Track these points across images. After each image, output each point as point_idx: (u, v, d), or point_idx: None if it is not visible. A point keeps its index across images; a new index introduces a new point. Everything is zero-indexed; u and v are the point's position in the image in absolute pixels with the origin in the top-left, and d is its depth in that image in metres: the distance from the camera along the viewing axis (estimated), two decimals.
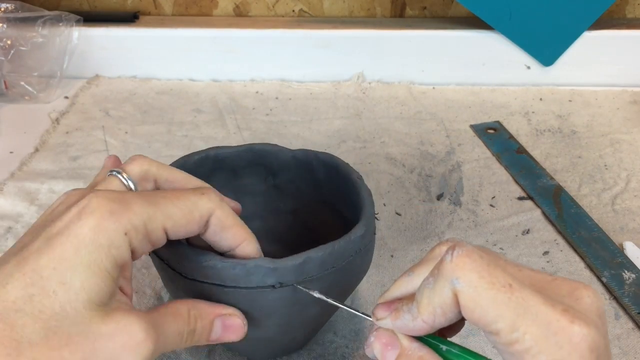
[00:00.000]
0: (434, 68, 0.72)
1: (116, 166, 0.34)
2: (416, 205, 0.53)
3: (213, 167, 0.40)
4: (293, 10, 0.75)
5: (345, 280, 0.33)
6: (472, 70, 0.71)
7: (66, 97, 0.71)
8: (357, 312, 0.29)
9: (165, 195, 0.28)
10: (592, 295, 0.23)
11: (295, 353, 0.39)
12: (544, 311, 0.22)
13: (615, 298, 0.43)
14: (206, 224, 0.29)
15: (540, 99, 0.69)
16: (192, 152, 0.40)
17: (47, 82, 0.70)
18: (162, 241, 0.28)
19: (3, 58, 0.67)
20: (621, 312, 0.42)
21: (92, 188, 0.30)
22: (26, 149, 0.61)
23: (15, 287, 0.24)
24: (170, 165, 0.39)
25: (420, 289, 0.25)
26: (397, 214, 0.52)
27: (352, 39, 0.71)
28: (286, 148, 0.41)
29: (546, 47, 0.69)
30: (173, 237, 0.28)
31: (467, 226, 0.50)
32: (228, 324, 0.30)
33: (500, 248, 0.48)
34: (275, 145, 0.41)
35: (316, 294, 0.30)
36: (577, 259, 0.47)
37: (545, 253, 0.47)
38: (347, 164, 0.39)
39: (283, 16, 0.76)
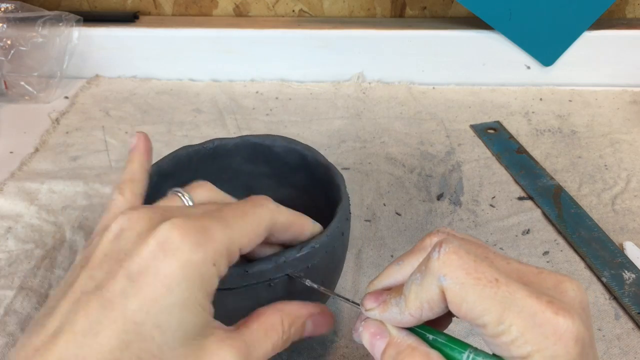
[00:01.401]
0: (434, 68, 0.72)
1: (148, 151, 0.33)
2: (416, 205, 0.53)
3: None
4: (293, 10, 0.75)
5: (327, 268, 0.34)
6: (472, 70, 0.71)
7: (66, 97, 0.71)
8: (347, 301, 0.29)
9: (234, 213, 0.28)
10: (576, 288, 0.23)
11: (295, 352, 0.39)
12: (529, 303, 0.22)
13: (615, 298, 0.43)
14: (269, 232, 0.29)
15: (540, 99, 0.69)
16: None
17: (47, 82, 0.70)
18: (237, 259, 0.27)
19: (3, 58, 0.67)
20: (621, 312, 0.42)
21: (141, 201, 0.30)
22: (26, 149, 0.61)
23: (108, 337, 0.23)
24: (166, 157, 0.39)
25: (408, 285, 0.25)
26: (397, 214, 0.52)
27: (352, 39, 0.71)
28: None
29: (546, 47, 0.69)
30: (244, 252, 0.28)
31: (467, 226, 0.50)
32: (318, 322, 0.30)
33: (500, 248, 0.48)
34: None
35: (308, 283, 0.31)
36: (577, 259, 0.47)
37: (545, 253, 0.47)
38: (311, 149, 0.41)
39: (283, 16, 0.76)
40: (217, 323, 0.26)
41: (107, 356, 0.23)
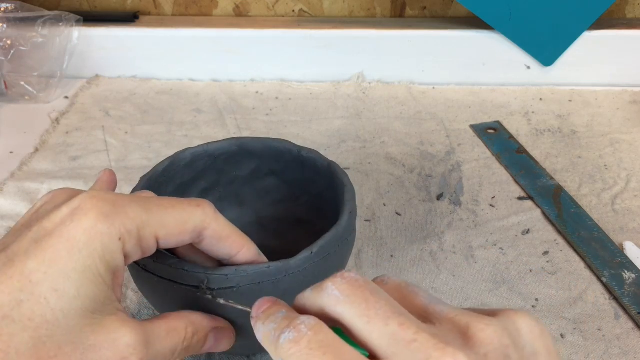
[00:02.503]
0: (434, 68, 0.72)
1: (113, 182, 0.33)
2: (416, 205, 0.53)
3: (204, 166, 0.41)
4: (293, 10, 0.75)
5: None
6: (472, 70, 0.71)
7: (66, 97, 0.71)
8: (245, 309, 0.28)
9: (160, 203, 0.27)
10: (488, 334, 0.21)
11: None
12: (418, 346, 0.21)
13: (615, 298, 0.43)
14: (200, 236, 0.28)
15: (540, 99, 0.69)
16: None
17: (47, 82, 0.70)
18: (153, 249, 0.27)
19: (3, 58, 0.67)
20: (621, 312, 0.42)
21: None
22: (26, 149, 0.61)
23: (1, 292, 0.22)
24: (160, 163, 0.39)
25: (267, 337, 0.24)
26: (397, 214, 0.52)
27: (352, 39, 0.71)
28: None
29: (546, 47, 0.69)
30: (163, 245, 0.27)
31: (467, 226, 0.50)
32: (220, 337, 0.30)
33: (500, 248, 0.48)
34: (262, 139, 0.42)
35: (222, 301, 0.29)
36: (577, 259, 0.47)
37: (545, 253, 0.47)
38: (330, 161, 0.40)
39: (283, 16, 0.76)
40: (120, 305, 0.26)
41: None
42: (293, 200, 0.43)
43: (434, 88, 0.72)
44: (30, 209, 0.27)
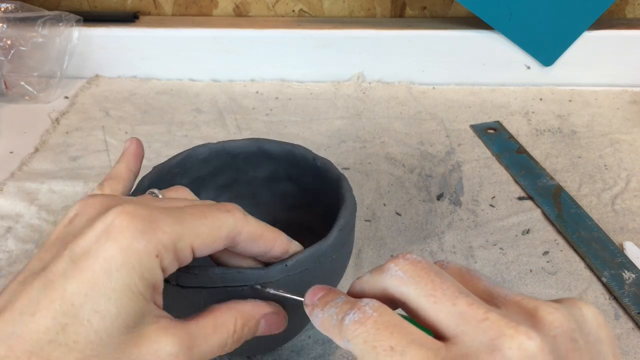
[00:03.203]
0: (434, 68, 0.72)
1: (139, 155, 0.33)
2: (416, 205, 0.53)
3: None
4: (293, 10, 0.75)
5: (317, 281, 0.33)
6: (472, 70, 0.71)
7: (66, 97, 0.71)
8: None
9: (192, 212, 0.27)
10: (516, 347, 0.20)
11: (294, 353, 0.39)
12: (486, 326, 0.21)
13: (615, 298, 0.43)
14: (233, 241, 0.28)
15: (540, 99, 0.69)
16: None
17: (47, 82, 0.70)
18: (189, 260, 0.27)
19: (3, 58, 0.67)
20: (621, 312, 0.42)
21: (107, 187, 0.29)
22: (26, 149, 0.61)
23: (44, 317, 0.23)
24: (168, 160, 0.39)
25: (327, 321, 0.25)
26: (397, 214, 0.52)
27: (352, 39, 0.71)
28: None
29: (546, 47, 0.69)
30: (199, 255, 0.27)
31: (467, 226, 0.50)
32: (272, 321, 0.30)
33: (500, 248, 0.48)
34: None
35: (272, 291, 0.30)
36: (577, 259, 0.47)
37: (545, 253, 0.47)
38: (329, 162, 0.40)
39: (283, 16, 0.76)
40: (165, 314, 0.26)
41: (42, 336, 0.22)
42: (306, 208, 0.43)
43: (434, 88, 0.72)
44: (63, 219, 0.27)
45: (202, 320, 0.27)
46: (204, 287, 0.30)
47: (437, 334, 0.22)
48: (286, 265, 0.30)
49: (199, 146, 0.40)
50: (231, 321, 0.28)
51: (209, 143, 0.41)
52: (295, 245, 0.31)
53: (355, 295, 0.26)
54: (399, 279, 0.24)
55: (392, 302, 0.24)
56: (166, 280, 0.31)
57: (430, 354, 0.21)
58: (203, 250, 0.27)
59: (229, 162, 0.41)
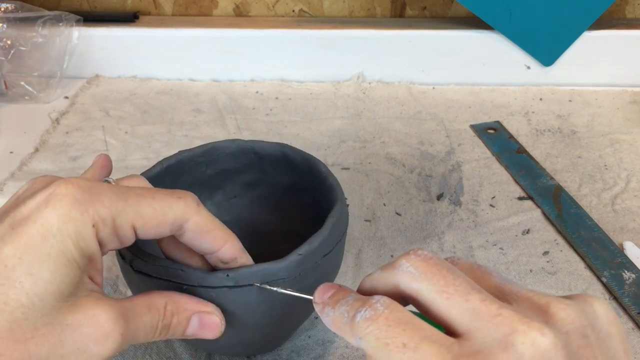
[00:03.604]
0: (434, 68, 0.72)
1: (106, 167, 0.33)
2: (416, 205, 0.53)
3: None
4: (293, 10, 0.75)
5: (313, 280, 0.33)
6: (472, 70, 0.71)
7: (66, 97, 0.71)
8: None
9: (139, 192, 0.27)
10: (529, 343, 0.20)
11: (294, 352, 0.39)
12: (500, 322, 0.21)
13: (615, 298, 0.43)
14: (181, 228, 0.28)
15: (540, 99, 0.69)
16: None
17: (47, 82, 0.70)
18: (131, 239, 0.27)
19: (3, 58, 0.67)
20: (621, 312, 0.42)
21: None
22: (26, 149, 0.61)
23: None
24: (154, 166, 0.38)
25: (338, 319, 0.25)
26: (397, 214, 0.52)
27: (352, 39, 0.71)
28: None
29: (546, 47, 0.69)
30: (142, 236, 0.27)
31: (467, 226, 0.50)
32: (205, 322, 0.30)
33: (500, 248, 0.48)
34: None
35: (280, 290, 0.30)
36: (577, 259, 0.47)
37: (545, 253, 0.47)
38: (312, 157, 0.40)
39: (283, 16, 0.76)
40: (95, 286, 0.26)
41: None
42: (320, 224, 0.42)
43: (434, 88, 0.72)
44: (13, 196, 0.28)
45: (134, 299, 0.27)
46: (152, 276, 0.30)
47: (450, 330, 0.22)
48: (227, 275, 0.30)
49: (226, 140, 0.41)
50: (162, 305, 0.28)
51: (237, 139, 0.41)
52: (246, 258, 0.31)
53: (366, 292, 0.26)
54: (411, 275, 0.24)
55: (403, 298, 0.24)
56: (127, 263, 0.31)
57: (443, 350, 0.21)
58: (147, 232, 0.27)
59: (255, 162, 0.41)
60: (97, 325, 0.24)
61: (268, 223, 0.43)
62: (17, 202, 0.26)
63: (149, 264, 0.31)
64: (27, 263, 0.23)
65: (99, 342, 0.24)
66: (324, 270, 0.33)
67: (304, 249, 0.31)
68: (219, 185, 0.43)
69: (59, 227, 0.24)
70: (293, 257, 0.31)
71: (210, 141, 0.41)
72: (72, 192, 0.25)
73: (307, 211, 0.41)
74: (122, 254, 0.32)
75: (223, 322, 0.30)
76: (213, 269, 0.31)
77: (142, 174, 0.36)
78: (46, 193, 0.25)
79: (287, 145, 0.41)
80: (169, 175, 0.39)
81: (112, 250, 0.27)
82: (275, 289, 0.30)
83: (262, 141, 0.41)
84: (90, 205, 0.25)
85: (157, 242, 0.31)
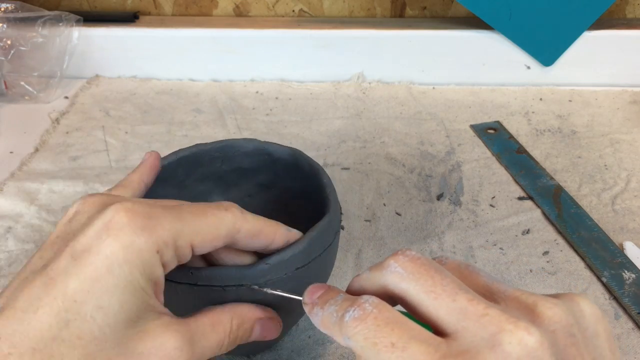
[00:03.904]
0: (434, 68, 0.72)
1: (155, 168, 0.34)
2: (416, 205, 0.53)
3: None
4: (293, 10, 0.75)
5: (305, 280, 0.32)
6: (472, 70, 0.71)
7: (66, 97, 0.71)
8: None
9: (191, 210, 0.27)
10: (516, 342, 0.21)
11: (295, 353, 0.39)
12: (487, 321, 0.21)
13: (615, 298, 0.43)
14: (233, 238, 0.29)
15: (540, 99, 0.69)
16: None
17: (47, 82, 0.70)
18: (189, 256, 0.27)
19: (3, 58, 0.67)
20: (621, 312, 0.42)
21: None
22: (26, 149, 0.61)
23: (47, 314, 0.23)
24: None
25: (327, 319, 0.25)
26: (397, 214, 0.52)
27: (352, 39, 0.71)
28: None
29: (546, 47, 0.69)
30: (198, 252, 0.28)
31: (467, 226, 0.50)
32: (267, 326, 0.30)
33: (500, 248, 0.48)
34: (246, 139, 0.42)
35: (269, 291, 0.30)
36: (577, 259, 0.47)
37: (545, 253, 0.47)
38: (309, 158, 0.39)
39: (283, 16, 0.76)
40: (166, 310, 0.26)
41: (45, 333, 0.23)
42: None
43: (434, 88, 0.72)
44: (63, 218, 0.27)
45: (200, 318, 0.28)
46: (196, 285, 0.30)
47: (437, 330, 0.23)
48: (191, 272, 0.30)
49: (243, 139, 0.41)
50: (227, 320, 0.28)
51: (254, 139, 0.41)
52: (295, 234, 0.31)
53: (354, 292, 0.26)
54: (399, 276, 0.24)
55: (392, 298, 0.24)
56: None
57: (431, 349, 0.21)
58: (203, 248, 0.27)
59: (269, 164, 0.41)
60: (164, 352, 0.25)
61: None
62: (72, 228, 0.26)
63: (193, 273, 0.30)
64: (96, 296, 0.23)
65: None
66: (299, 283, 0.32)
67: (273, 259, 0.31)
68: (235, 182, 0.43)
69: (124, 257, 0.24)
70: (260, 266, 0.30)
71: (267, 141, 0.41)
72: (132, 220, 0.25)
73: (311, 218, 0.40)
74: None
75: (281, 322, 0.31)
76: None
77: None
78: (104, 220, 0.25)
79: (297, 150, 0.40)
80: (182, 166, 0.39)
81: (172, 269, 0.28)
82: (265, 289, 0.30)
83: (275, 144, 0.41)
84: (152, 231, 0.25)
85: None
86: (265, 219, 0.30)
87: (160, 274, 0.26)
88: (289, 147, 0.41)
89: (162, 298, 0.27)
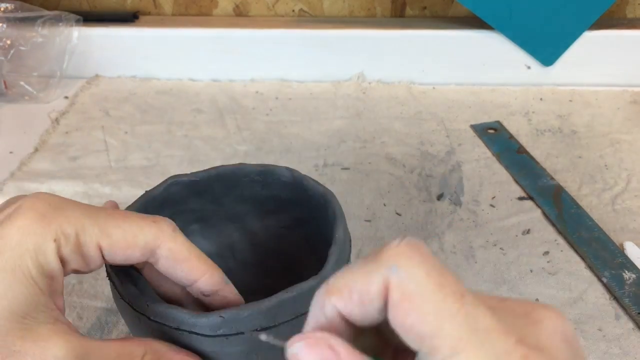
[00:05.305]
0: (434, 68, 0.72)
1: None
2: (416, 205, 0.53)
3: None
4: (293, 10, 0.75)
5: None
6: (472, 70, 0.71)
7: (66, 97, 0.71)
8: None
9: (110, 212, 0.26)
10: (554, 317, 0.19)
11: None
12: (494, 338, 0.17)
13: (616, 298, 0.43)
14: (154, 254, 0.26)
15: (541, 99, 0.69)
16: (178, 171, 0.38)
17: (47, 82, 0.70)
18: (97, 260, 0.26)
19: (3, 58, 0.67)
20: (621, 312, 0.42)
21: None
22: (26, 149, 0.61)
23: None
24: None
25: (342, 269, 0.20)
26: (397, 214, 0.52)
27: (352, 39, 0.71)
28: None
29: (546, 47, 0.69)
30: (110, 258, 0.26)
31: (467, 226, 0.50)
32: None
33: (500, 248, 0.48)
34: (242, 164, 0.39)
35: (264, 337, 0.25)
36: (578, 259, 0.47)
37: (545, 253, 0.47)
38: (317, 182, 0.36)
39: (283, 16, 0.76)
40: (66, 320, 0.25)
41: None
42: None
43: (434, 88, 0.72)
44: None
45: (108, 342, 0.25)
46: (149, 319, 0.28)
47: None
48: (221, 316, 0.27)
49: (283, 168, 0.37)
50: (139, 354, 0.26)
51: (294, 170, 0.37)
52: (229, 290, 0.28)
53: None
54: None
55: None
56: (121, 297, 0.29)
57: None
58: (115, 254, 0.26)
59: (305, 198, 0.38)
60: (43, 359, 0.22)
61: (307, 266, 0.37)
62: None
63: (137, 297, 0.28)
64: None
65: None
66: (259, 348, 0.28)
67: (227, 312, 0.27)
68: (273, 210, 0.39)
69: (18, 240, 0.23)
70: (213, 317, 0.27)
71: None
72: (37, 206, 0.24)
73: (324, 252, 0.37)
74: (113, 282, 0.30)
75: None
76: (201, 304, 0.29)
77: (189, 175, 0.35)
78: (14, 207, 0.25)
79: (329, 191, 0.36)
80: (221, 181, 0.37)
81: (76, 271, 0.26)
82: (261, 336, 0.25)
83: (310, 178, 0.37)
84: (53, 219, 0.24)
85: (140, 270, 0.30)
86: (203, 254, 0.28)
87: (55, 267, 0.24)
88: (323, 186, 0.36)
89: (61, 302, 0.25)
